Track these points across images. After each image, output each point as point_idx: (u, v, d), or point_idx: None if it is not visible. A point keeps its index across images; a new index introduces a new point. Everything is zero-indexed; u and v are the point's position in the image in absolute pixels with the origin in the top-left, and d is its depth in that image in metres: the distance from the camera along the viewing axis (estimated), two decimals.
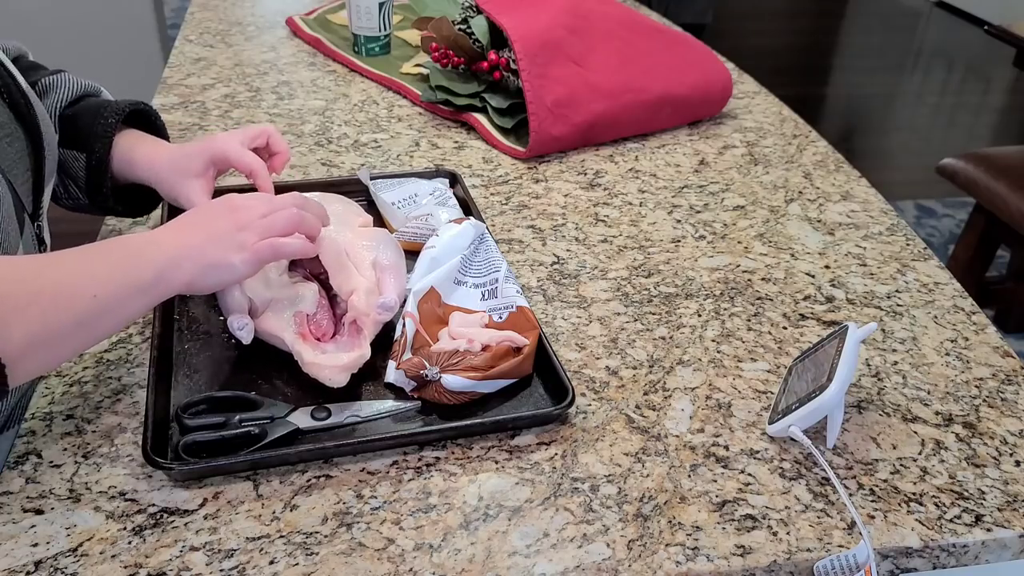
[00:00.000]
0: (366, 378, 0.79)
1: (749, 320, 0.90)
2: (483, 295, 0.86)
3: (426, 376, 0.74)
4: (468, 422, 0.74)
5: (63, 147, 0.89)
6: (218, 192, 1.02)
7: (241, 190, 1.03)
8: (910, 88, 4.28)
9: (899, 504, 0.70)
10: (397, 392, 0.78)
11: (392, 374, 0.76)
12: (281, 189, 1.02)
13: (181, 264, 0.69)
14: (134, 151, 0.90)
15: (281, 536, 0.65)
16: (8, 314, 0.59)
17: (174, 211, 1.01)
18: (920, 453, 0.75)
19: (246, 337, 0.78)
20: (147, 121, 0.95)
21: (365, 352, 0.77)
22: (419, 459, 0.72)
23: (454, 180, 1.09)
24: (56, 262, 0.65)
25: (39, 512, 0.66)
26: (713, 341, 0.87)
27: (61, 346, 0.64)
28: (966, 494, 0.71)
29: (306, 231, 0.75)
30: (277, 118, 1.28)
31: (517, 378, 0.78)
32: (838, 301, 0.94)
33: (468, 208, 1.03)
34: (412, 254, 0.90)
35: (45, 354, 0.63)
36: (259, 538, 0.65)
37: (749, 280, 0.97)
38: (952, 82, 4.39)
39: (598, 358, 0.84)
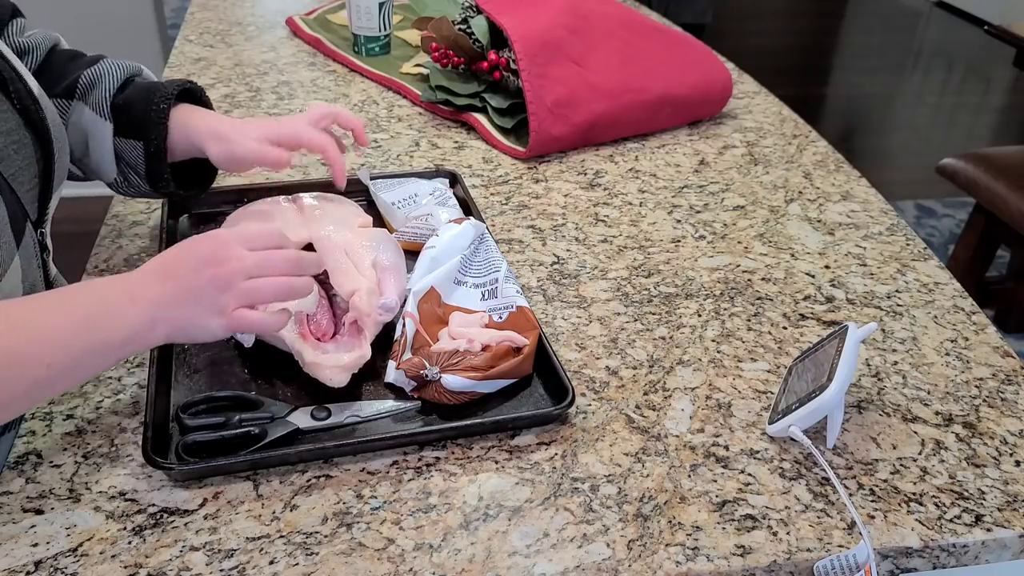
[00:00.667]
0: (366, 378, 0.79)
1: (749, 320, 0.90)
2: (483, 295, 0.86)
3: (426, 376, 0.74)
4: (468, 422, 0.74)
5: (119, 136, 0.89)
6: (228, 193, 1.03)
7: (247, 191, 1.03)
8: (910, 88, 4.28)
9: (899, 504, 0.70)
10: (397, 392, 0.78)
11: (392, 374, 0.76)
12: (283, 190, 1.02)
13: (155, 326, 0.67)
14: (189, 122, 0.89)
15: (281, 536, 0.65)
16: None
17: (172, 210, 1.01)
18: (920, 453, 0.75)
19: (247, 341, 0.78)
20: (193, 98, 0.94)
21: (365, 352, 0.77)
22: (419, 459, 0.72)
23: (454, 180, 1.09)
24: (12, 325, 0.62)
25: (39, 512, 0.66)
26: (713, 341, 0.87)
27: (5, 411, 0.62)
28: (966, 494, 0.71)
29: (292, 295, 0.73)
30: None
31: (517, 378, 0.78)
32: (838, 301, 0.94)
33: (468, 208, 1.03)
34: (412, 254, 0.90)
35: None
36: (259, 538, 0.65)
37: (749, 280, 0.97)
38: (952, 82, 4.39)
39: (598, 358, 0.84)
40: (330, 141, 0.92)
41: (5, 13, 0.88)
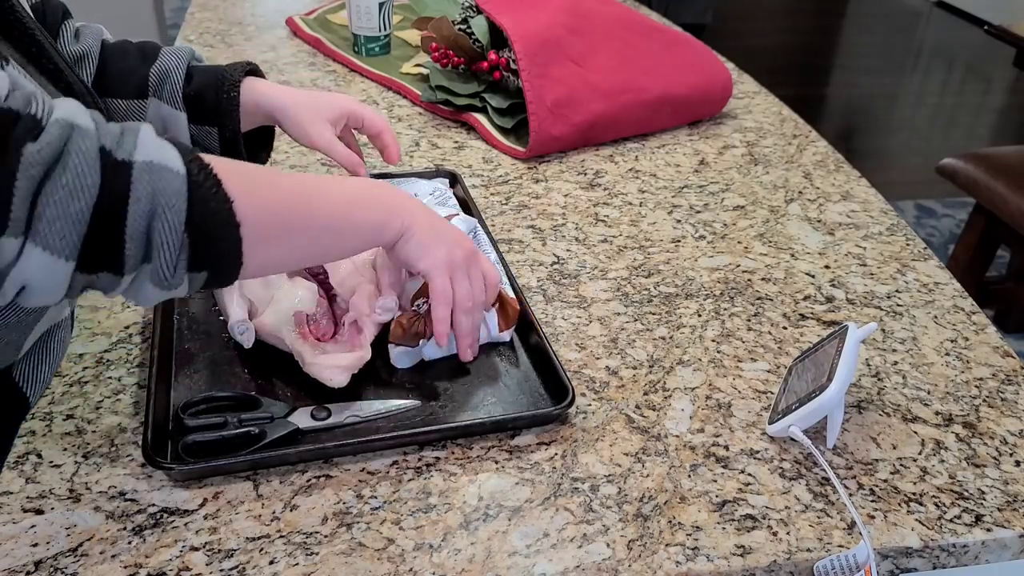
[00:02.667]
0: (366, 378, 0.79)
1: (749, 320, 0.90)
2: None
3: (418, 309, 0.77)
4: (468, 422, 0.74)
5: (193, 123, 0.94)
6: None
7: None
8: (910, 88, 4.28)
9: (899, 504, 0.70)
10: (397, 392, 0.78)
11: (394, 355, 0.78)
12: None
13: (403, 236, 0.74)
14: (257, 94, 0.94)
15: (281, 536, 0.65)
16: (252, 194, 0.62)
17: None
18: (920, 453, 0.75)
19: (247, 341, 0.78)
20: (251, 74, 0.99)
21: (365, 353, 0.77)
22: (419, 459, 0.72)
23: (454, 180, 1.09)
24: (302, 184, 0.70)
25: (39, 512, 0.66)
26: (713, 341, 0.87)
27: (287, 248, 0.67)
28: (966, 494, 0.71)
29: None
30: None
31: (504, 316, 0.82)
32: (838, 301, 0.94)
33: (468, 208, 1.03)
34: None
35: (272, 253, 0.66)
36: (259, 538, 0.65)
37: (749, 280, 0.97)
38: (952, 82, 4.39)
39: (598, 358, 0.84)
40: (387, 124, 1.00)
41: (58, 15, 0.90)
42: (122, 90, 0.92)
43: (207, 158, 0.61)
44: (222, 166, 0.61)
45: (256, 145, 1.00)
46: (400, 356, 0.80)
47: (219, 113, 0.93)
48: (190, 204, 0.57)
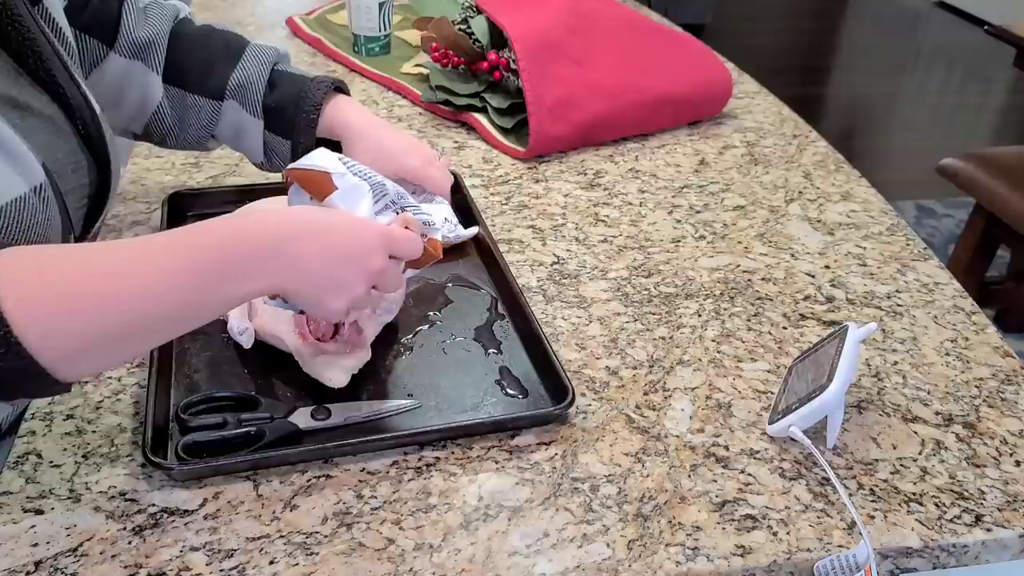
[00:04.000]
0: (366, 378, 0.79)
1: (749, 320, 0.90)
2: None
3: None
4: (468, 422, 0.74)
5: (268, 131, 0.94)
6: (228, 193, 1.03)
7: (248, 191, 1.03)
8: (910, 88, 4.28)
9: (899, 504, 0.70)
10: (397, 392, 0.78)
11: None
12: (284, 191, 1.01)
13: (273, 288, 0.66)
14: (336, 120, 0.93)
15: (281, 536, 0.65)
16: (60, 320, 0.56)
17: (173, 211, 1.01)
18: (920, 453, 0.75)
19: (246, 342, 0.78)
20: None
21: (365, 353, 0.77)
22: (419, 459, 0.72)
23: (454, 180, 1.08)
24: (138, 261, 0.60)
25: (39, 512, 0.66)
26: (713, 341, 0.87)
27: (115, 352, 0.61)
28: (966, 494, 0.71)
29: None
30: None
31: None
32: (838, 301, 0.94)
33: (468, 208, 1.03)
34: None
35: (96, 360, 0.61)
36: (259, 538, 0.65)
37: (749, 280, 0.97)
38: (952, 82, 4.39)
39: (598, 358, 0.84)
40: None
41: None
42: (200, 87, 0.92)
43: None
44: (23, 292, 0.55)
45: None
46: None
47: (295, 128, 0.93)
48: None
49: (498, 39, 1.27)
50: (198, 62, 0.93)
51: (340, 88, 0.97)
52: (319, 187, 0.72)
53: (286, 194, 0.75)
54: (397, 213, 0.76)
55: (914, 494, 0.71)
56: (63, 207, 0.71)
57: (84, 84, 0.78)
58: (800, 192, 1.15)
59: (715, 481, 0.71)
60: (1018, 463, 0.74)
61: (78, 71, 0.78)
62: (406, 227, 0.73)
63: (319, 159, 0.73)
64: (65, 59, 0.76)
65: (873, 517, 0.69)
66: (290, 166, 0.73)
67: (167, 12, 0.94)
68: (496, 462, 0.72)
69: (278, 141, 0.95)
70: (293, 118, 0.92)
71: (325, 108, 0.93)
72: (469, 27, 1.29)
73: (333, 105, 0.94)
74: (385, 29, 1.49)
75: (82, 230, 0.78)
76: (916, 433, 0.77)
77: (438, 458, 0.72)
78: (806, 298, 0.94)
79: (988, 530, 0.68)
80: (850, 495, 0.70)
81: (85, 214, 0.78)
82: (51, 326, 0.56)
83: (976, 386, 0.83)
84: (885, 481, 0.72)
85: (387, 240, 0.69)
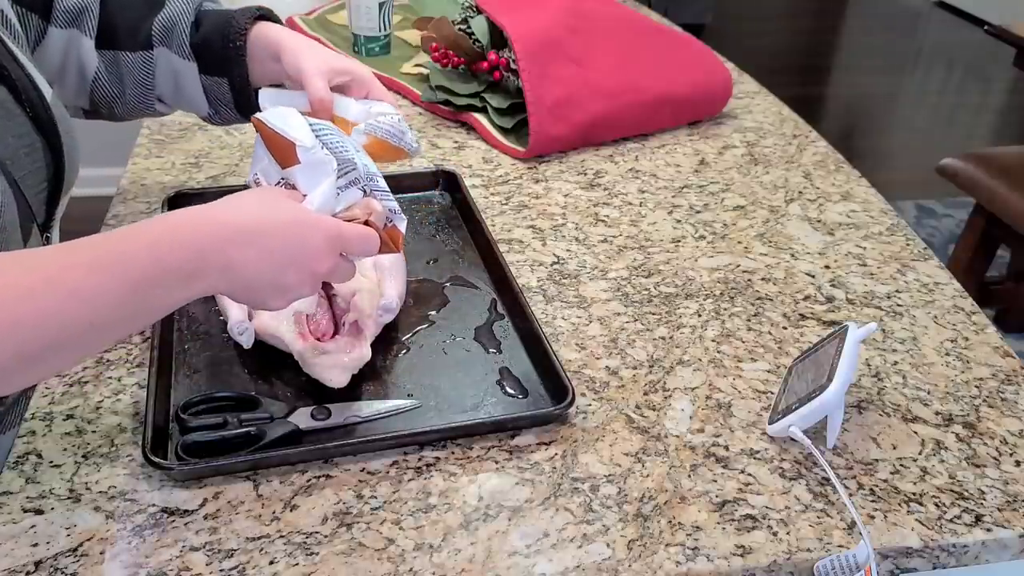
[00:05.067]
0: (366, 378, 0.79)
1: (749, 320, 0.90)
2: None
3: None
4: (468, 422, 0.74)
5: (204, 74, 0.90)
6: (228, 193, 1.02)
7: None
8: (910, 88, 4.28)
9: (899, 504, 0.70)
10: (397, 392, 0.78)
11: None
12: None
13: (213, 289, 0.64)
14: (269, 45, 0.87)
15: (281, 536, 0.65)
16: None
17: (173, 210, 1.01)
18: (920, 453, 0.75)
19: (246, 342, 0.78)
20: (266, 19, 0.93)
21: (365, 353, 0.77)
22: (419, 459, 0.72)
23: (454, 180, 1.09)
24: (55, 280, 0.57)
25: (39, 512, 0.66)
26: (713, 341, 0.87)
27: (48, 365, 0.59)
28: (966, 494, 0.71)
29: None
30: None
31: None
32: (838, 301, 0.94)
33: (468, 208, 1.03)
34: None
35: (27, 376, 0.59)
36: (259, 538, 0.65)
37: (749, 280, 0.97)
38: (952, 82, 4.38)
39: (598, 358, 0.84)
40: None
41: None
42: (129, 42, 0.90)
43: None
44: None
45: None
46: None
47: (227, 63, 0.88)
48: None
49: (498, 39, 1.27)
50: (125, 19, 0.90)
51: (268, 17, 0.91)
52: (283, 155, 0.69)
53: None
54: (364, 192, 0.72)
55: (914, 494, 0.71)
56: (19, 192, 0.71)
57: (30, 65, 0.77)
58: (800, 192, 1.15)
59: (715, 481, 0.71)
60: (1018, 463, 0.74)
61: (23, 52, 0.77)
62: (368, 213, 0.70)
63: (290, 121, 0.69)
64: (7, 41, 0.75)
65: (873, 517, 0.69)
66: (258, 115, 0.69)
67: None
68: (496, 462, 0.72)
69: (214, 82, 0.90)
70: (222, 51, 0.88)
71: (251, 32, 0.88)
72: (469, 27, 1.29)
73: (259, 28, 0.89)
74: (385, 29, 1.49)
75: (45, 216, 0.78)
76: (916, 433, 0.77)
77: (438, 458, 0.72)
78: (806, 298, 0.94)
79: (988, 530, 0.68)
80: (850, 495, 0.70)
81: (47, 198, 0.78)
82: None
83: (976, 386, 0.83)
84: (885, 481, 0.72)
85: (337, 240, 0.66)
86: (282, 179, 0.70)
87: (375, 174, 0.73)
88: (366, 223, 0.70)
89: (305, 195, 0.69)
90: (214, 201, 0.65)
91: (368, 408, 0.76)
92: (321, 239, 0.65)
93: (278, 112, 0.70)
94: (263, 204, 0.66)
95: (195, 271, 0.61)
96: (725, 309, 0.92)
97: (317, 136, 0.70)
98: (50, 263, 0.59)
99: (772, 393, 0.81)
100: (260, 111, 0.76)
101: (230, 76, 0.89)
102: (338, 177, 0.70)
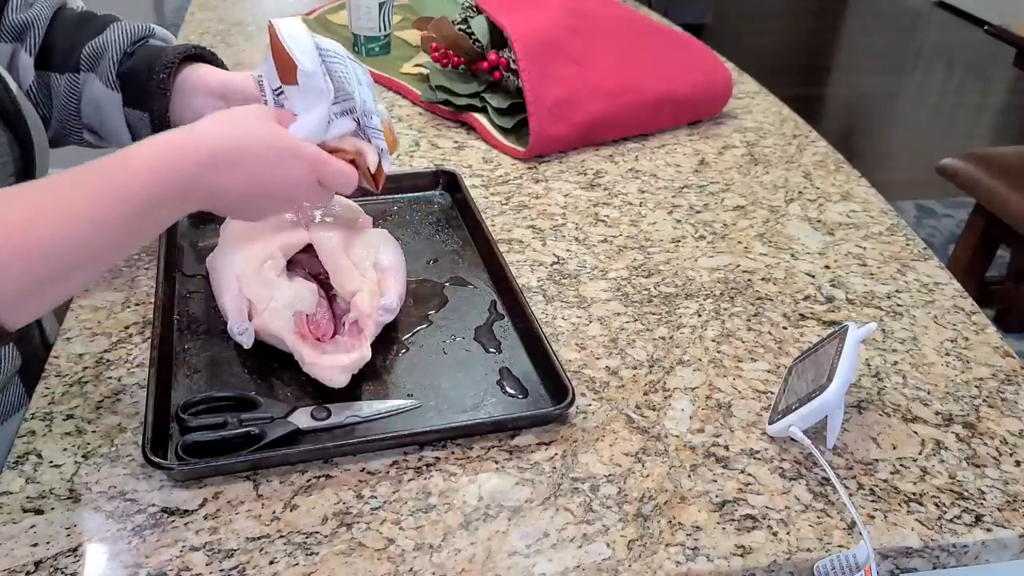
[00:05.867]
0: (366, 378, 0.79)
1: (749, 320, 0.90)
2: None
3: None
4: (468, 422, 0.74)
5: (127, 106, 0.88)
6: None
7: None
8: (910, 88, 4.28)
9: (899, 504, 0.70)
10: (397, 392, 0.78)
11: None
12: None
13: (199, 207, 0.69)
14: (200, 78, 0.87)
15: (281, 536, 0.65)
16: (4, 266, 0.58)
17: None
18: (920, 453, 0.75)
19: (246, 342, 0.78)
20: (205, 61, 0.92)
21: (365, 353, 0.77)
22: (419, 459, 0.72)
23: (454, 180, 1.09)
24: (42, 210, 0.61)
25: (39, 512, 0.66)
26: (713, 341, 0.87)
27: (57, 291, 0.63)
28: (966, 494, 0.71)
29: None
30: None
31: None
32: (838, 301, 0.94)
33: (468, 208, 1.03)
34: None
35: (40, 303, 0.63)
36: (259, 538, 0.65)
37: (749, 280, 0.97)
38: (952, 82, 4.39)
39: (598, 358, 0.84)
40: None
41: None
42: (60, 64, 0.87)
43: None
44: None
45: None
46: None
47: (148, 96, 0.85)
48: None
49: (498, 39, 1.27)
50: (63, 41, 0.88)
51: (204, 56, 0.89)
52: (284, 69, 0.72)
53: None
54: (357, 123, 0.75)
55: (914, 494, 0.71)
56: None
57: None
58: (800, 192, 1.15)
59: (715, 481, 0.71)
60: (1018, 463, 0.74)
61: None
62: (358, 154, 0.75)
63: (300, 39, 0.72)
64: None
65: (873, 517, 0.69)
66: (275, 21, 0.72)
67: (53, 1, 0.90)
68: (496, 462, 0.72)
69: (137, 116, 0.87)
70: (146, 83, 0.84)
71: (183, 69, 0.85)
72: (469, 27, 1.29)
73: (192, 66, 0.86)
74: (385, 29, 1.49)
75: None
76: (916, 433, 0.77)
77: (438, 458, 0.72)
78: (806, 298, 0.94)
79: (988, 530, 0.68)
80: (850, 495, 0.70)
81: None
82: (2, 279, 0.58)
83: (976, 386, 0.83)
84: (885, 481, 0.72)
85: (315, 170, 0.71)
86: (280, 89, 0.74)
87: (372, 111, 0.76)
88: (352, 162, 0.74)
89: (295, 116, 0.73)
90: (203, 120, 0.70)
91: (368, 408, 0.76)
92: (299, 166, 0.70)
93: (294, 25, 0.73)
94: (247, 128, 0.70)
95: (186, 193, 0.67)
96: (725, 309, 0.92)
97: (324, 60, 0.73)
98: (50, 194, 0.63)
99: (772, 393, 0.81)
100: None
101: (151, 110, 0.86)
102: (333, 104, 0.73)
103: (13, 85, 0.78)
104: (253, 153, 0.68)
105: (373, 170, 0.76)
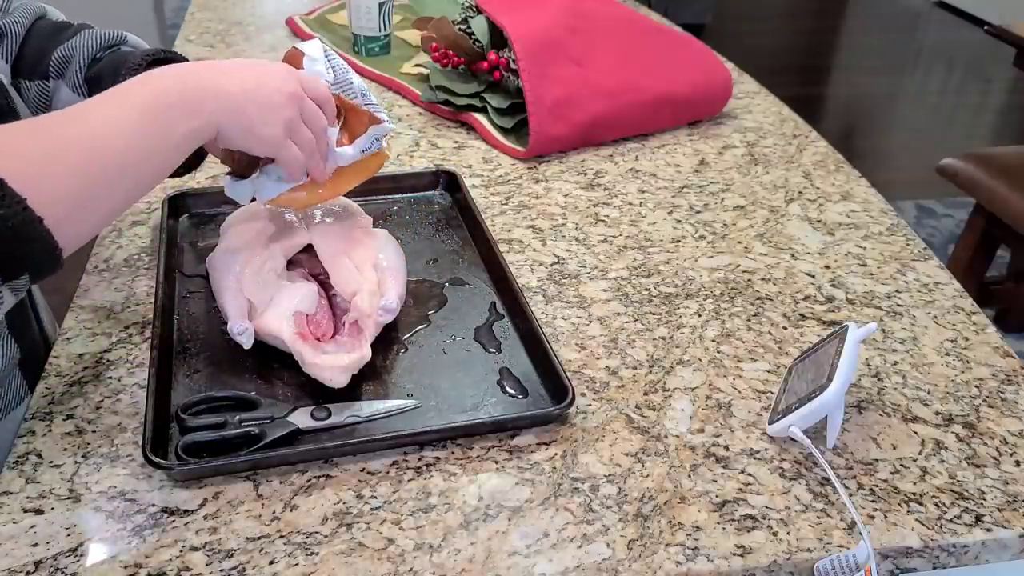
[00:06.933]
0: (366, 378, 0.79)
1: (749, 320, 0.90)
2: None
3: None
4: (468, 422, 0.74)
5: None
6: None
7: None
8: (910, 88, 4.28)
9: (899, 504, 0.70)
10: (397, 392, 0.78)
11: (229, 187, 0.84)
12: None
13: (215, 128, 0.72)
14: None
15: (281, 536, 0.65)
16: (36, 176, 0.60)
17: (172, 210, 1.01)
18: (920, 453, 0.75)
19: (246, 342, 0.78)
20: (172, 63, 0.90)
21: (365, 353, 0.77)
22: (419, 459, 0.72)
23: (454, 180, 1.09)
24: (72, 118, 0.66)
25: (39, 512, 0.66)
26: (713, 341, 0.87)
27: (101, 201, 0.65)
28: (966, 494, 0.71)
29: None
30: None
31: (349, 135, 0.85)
32: (838, 301, 0.94)
33: (468, 208, 1.03)
34: None
35: (89, 216, 0.65)
36: (259, 538, 0.65)
37: (749, 280, 0.97)
38: (952, 82, 4.39)
39: (598, 358, 0.84)
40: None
41: None
42: (30, 71, 0.87)
43: None
44: (14, 165, 0.60)
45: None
46: (233, 187, 0.83)
47: None
48: None
49: (498, 39, 1.27)
50: (35, 47, 0.88)
51: (175, 60, 0.88)
52: (293, 63, 0.83)
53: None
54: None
55: (914, 494, 0.71)
56: None
57: None
58: (800, 192, 1.15)
59: (715, 481, 0.71)
60: (1018, 463, 0.74)
61: None
62: (351, 107, 0.84)
63: (310, 45, 0.85)
64: None
65: (873, 517, 0.69)
66: (298, 45, 0.84)
67: (31, 8, 0.90)
68: (496, 462, 0.72)
69: None
70: (112, 86, 0.85)
71: (148, 71, 0.86)
72: (469, 27, 1.29)
73: (159, 69, 0.88)
74: (385, 29, 1.49)
75: None
76: (916, 433, 0.77)
77: (438, 458, 0.72)
78: (806, 298, 0.94)
79: (988, 530, 0.68)
80: (850, 495, 0.70)
81: None
82: (50, 186, 0.61)
83: (976, 386, 0.83)
84: (885, 481, 0.72)
85: (293, 72, 0.78)
86: None
87: (373, 102, 0.87)
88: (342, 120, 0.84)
89: None
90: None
91: (368, 408, 0.76)
92: (277, 66, 0.78)
93: (311, 43, 0.85)
94: (233, 60, 0.77)
95: (187, 94, 0.70)
96: (725, 309, 0.92)
97: (328, 58, 0.84)
98: (70, 120, 0.66)
99: (772, 393, 0.81)
100: None
101: None
102: (332, 85, 0.84)
103: (4, 79, 0.77)
104: (243, 64, 0.75)
105: (365, 148, 0.85)
